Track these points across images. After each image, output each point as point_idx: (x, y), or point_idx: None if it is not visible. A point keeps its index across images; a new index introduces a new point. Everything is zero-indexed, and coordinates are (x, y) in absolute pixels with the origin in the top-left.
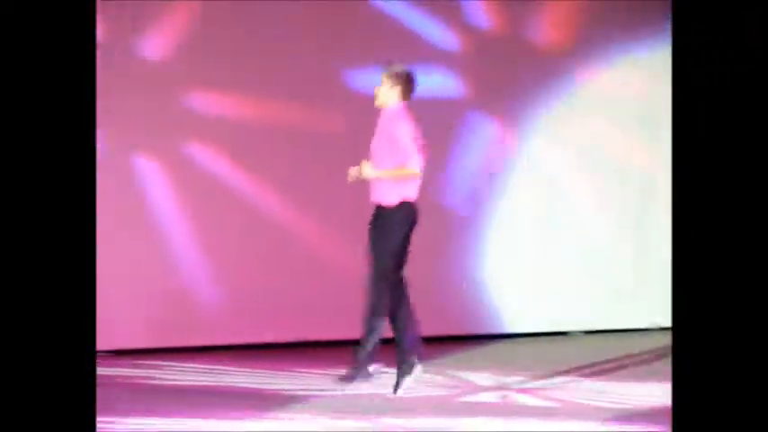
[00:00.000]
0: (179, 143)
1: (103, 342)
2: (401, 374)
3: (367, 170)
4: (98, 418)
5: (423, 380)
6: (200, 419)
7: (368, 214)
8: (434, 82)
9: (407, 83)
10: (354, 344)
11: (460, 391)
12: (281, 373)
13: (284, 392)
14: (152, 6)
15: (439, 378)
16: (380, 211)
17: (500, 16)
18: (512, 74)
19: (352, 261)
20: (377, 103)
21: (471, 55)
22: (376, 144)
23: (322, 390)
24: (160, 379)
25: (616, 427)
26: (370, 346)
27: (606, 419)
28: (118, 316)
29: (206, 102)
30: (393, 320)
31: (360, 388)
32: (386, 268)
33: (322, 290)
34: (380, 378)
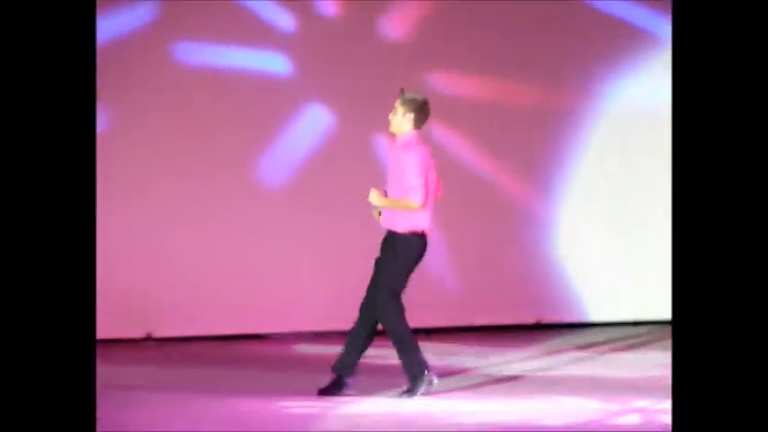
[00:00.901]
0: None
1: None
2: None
3: (373, 198)
4: None
5: None
6: None
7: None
8: None
9: (421, 111)
10: None
11: None
12: None
13: None
14: None
15: None
16: (391, 234)
17: None
18: None
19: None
20: (391, 129)
21: None
22: (390, 171)
23: None
24: None
25: None
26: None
27: None
28: None
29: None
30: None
31: None
32: (385, 291)
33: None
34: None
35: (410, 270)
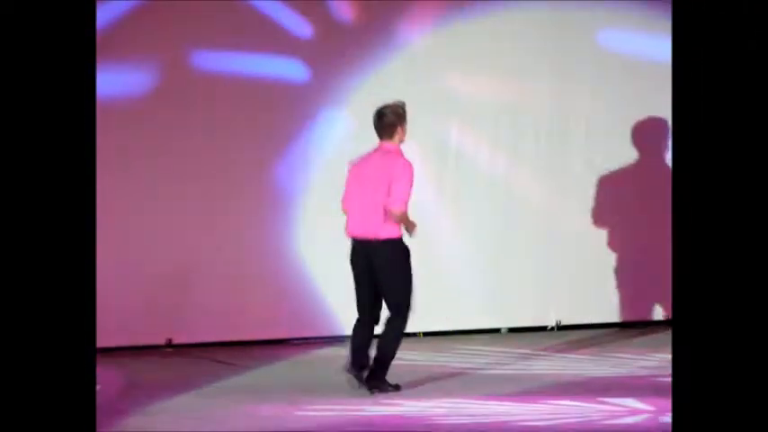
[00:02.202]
0: (438, 125)
1: None
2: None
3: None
4: None
5: None
6: None
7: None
8: None
9: (405, 121)
10: None
11: None
12: None
13: None
14: None
15: None
16: (378, 243)
17: None
18: None
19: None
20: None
21: None
22: (378, 179)
23: None
24: None
25: None
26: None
27: None
28: None
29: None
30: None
31: None
32: (405, 298)
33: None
34: None
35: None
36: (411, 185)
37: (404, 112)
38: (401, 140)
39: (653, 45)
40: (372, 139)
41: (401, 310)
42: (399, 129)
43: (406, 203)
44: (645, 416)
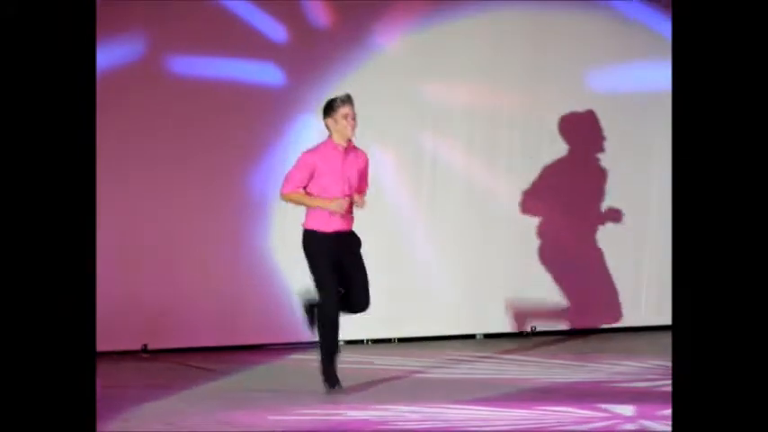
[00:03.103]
0: (414, 130)
1: None
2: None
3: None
4: None
5: None
6: None
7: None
8: None
9: (327, 115)
10: None
11: None
12: None
13: None
14: None
15: None
16: (350, 234)
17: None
18: None
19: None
20: (353, 135)
21: None
22: (351, 174)
23: None
24: None
25: None
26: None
27: None
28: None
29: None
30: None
31: None
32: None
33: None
34: None
35: None
36: (295, 169)
37: (329, 105)
38: (330, 133)
39: (632, 46)
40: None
41: None
42: (325, 122)
43: (285, 184)
44: (620, 421)
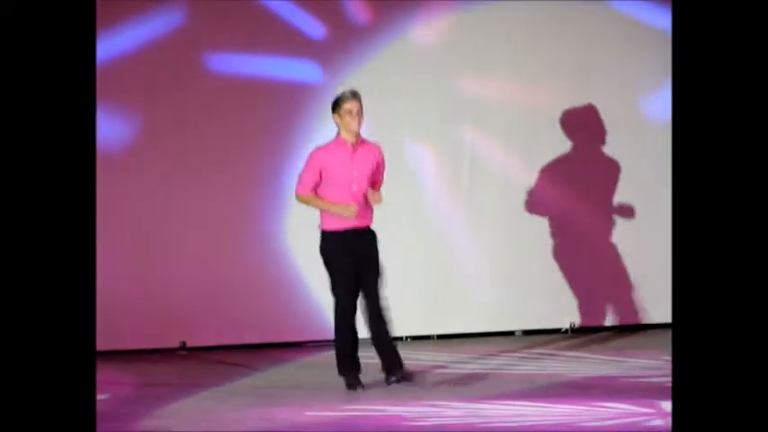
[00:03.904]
0: (452, 126)
1: None
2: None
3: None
4: None
5: None
6: None
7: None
8: None
9: (334, 111)
10: None
11: None
12: None
13: None
14: None
15: None
16: (369, 231)
17: None
18: None
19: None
20: (359, 130)
21: None
22: (366, 169)
23: None
24: None
25: None
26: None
27: None
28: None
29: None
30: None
31: None
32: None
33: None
34: None
35: None
36: (305, 168)
37: (335, 101)
38: (338, 130)
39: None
40: (383, 140)
41: None
42: (333, 118)
43: (297, 185)
44: (658, 419)
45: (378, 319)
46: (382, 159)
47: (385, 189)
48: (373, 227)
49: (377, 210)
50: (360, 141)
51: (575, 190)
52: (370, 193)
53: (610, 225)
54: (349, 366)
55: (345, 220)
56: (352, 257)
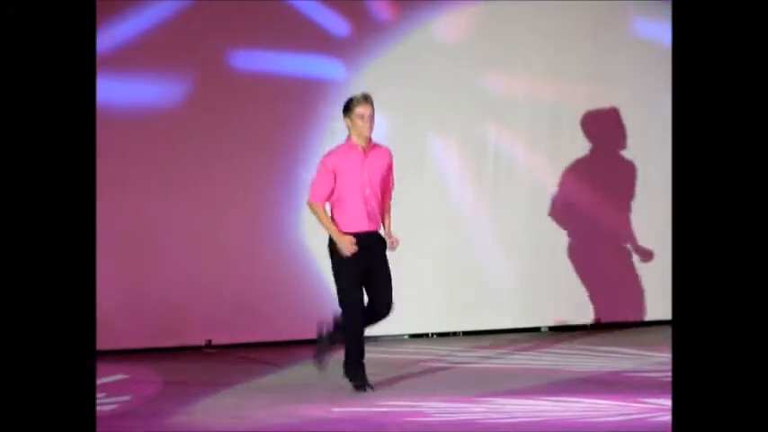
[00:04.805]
0: (476, 124)
1: None
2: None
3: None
4: None
5: None
6: None
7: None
8: None
9: (345, 115)
10: None
11: None
12: None
13: None
14: None
15: None
16: (377, 236)
17: None
18: None
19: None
20: (370, 135)
21: None
22: (378, 173)
23: None
24: None
25: None
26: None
27: None
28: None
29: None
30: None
31: None
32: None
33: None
34: None
35: None
36: (318, 175)
37: (347, 104)
38: (349, 133)
39: None
40: (408, 137)
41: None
42: (345, 122)
43: (311, 192)
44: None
45: (372, 322)
46: (392, 162)
47: (409, 186)
48: (397, 224)
49: (402, 207)
50: (371, 145)
51: (599, 188)
52: (390, 243)
53: (632, 221)
54: (355, 368)
55: (355, 223)
56: (361, 262)
